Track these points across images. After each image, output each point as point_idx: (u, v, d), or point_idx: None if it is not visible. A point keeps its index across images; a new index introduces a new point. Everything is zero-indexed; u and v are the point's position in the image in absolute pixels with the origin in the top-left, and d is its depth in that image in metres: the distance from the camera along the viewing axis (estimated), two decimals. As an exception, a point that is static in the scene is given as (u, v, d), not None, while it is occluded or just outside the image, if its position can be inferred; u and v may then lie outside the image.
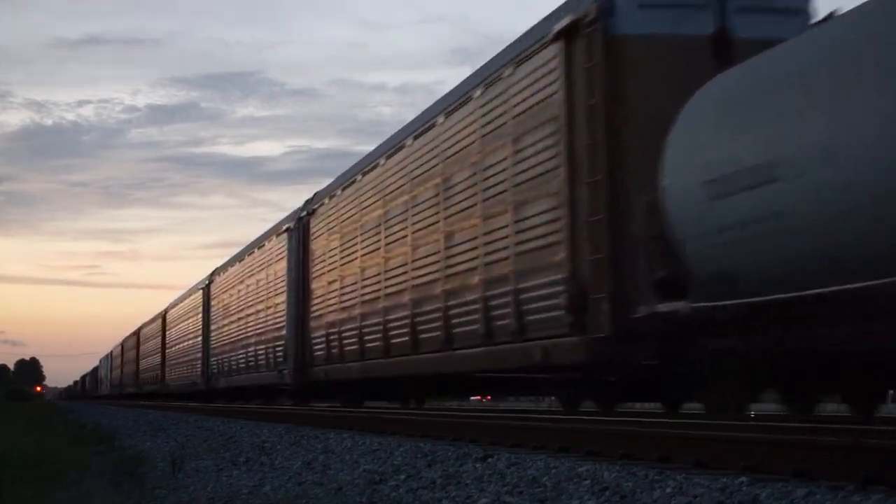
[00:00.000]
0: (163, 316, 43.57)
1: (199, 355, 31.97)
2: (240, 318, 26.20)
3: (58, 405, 55.35)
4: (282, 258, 21.67)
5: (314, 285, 19.30)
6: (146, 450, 12.58)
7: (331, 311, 18.00)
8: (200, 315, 32.37)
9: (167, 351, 41.29)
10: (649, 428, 7.89)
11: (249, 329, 24.80)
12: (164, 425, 19.20)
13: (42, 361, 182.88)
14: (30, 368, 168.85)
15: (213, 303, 30.78)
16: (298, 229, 20.56)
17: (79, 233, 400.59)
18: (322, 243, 19.05)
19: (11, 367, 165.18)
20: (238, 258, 27.98)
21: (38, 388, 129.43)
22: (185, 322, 36.22)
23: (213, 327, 30.37)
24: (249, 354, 24.58)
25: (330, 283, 18.21)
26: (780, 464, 5.90)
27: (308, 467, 8.99)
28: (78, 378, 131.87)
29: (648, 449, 7.24)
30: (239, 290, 26.70)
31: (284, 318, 21.02)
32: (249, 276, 25.42)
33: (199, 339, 32.14)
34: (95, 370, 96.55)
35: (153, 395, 47.02)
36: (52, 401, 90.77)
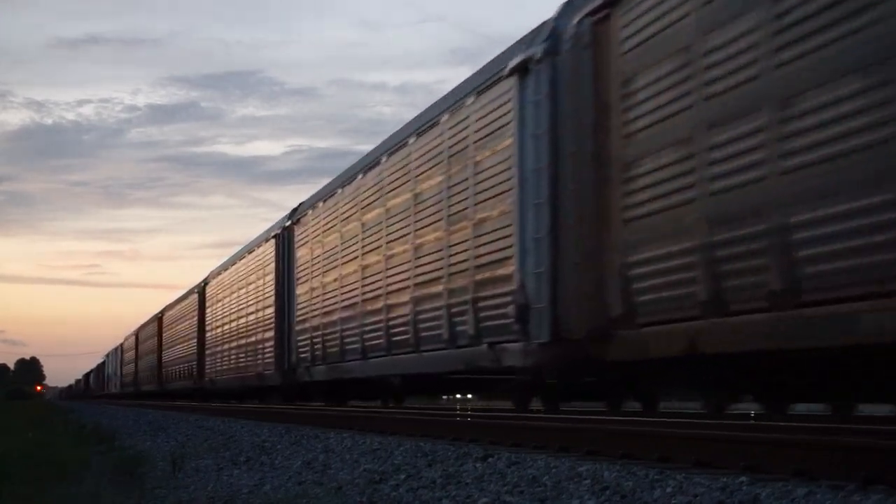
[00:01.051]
0: (199, 290, 33.14)
1: (272, 335, 21.85)
2: (367, 266, 15.54)
3: (58, 405, 55.23)
4: (503, 126, 11.01)
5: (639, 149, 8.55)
6: (146, 449, 12.58)
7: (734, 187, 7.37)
8: (273, 275, 21.93)
9: (209, 334, 30.80)
10: (649, 427, 7.89)
11: (396, 278, 14.21)
12: (164, 425, 19.20)
13: (42, 361, 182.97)
14: (30, 368, 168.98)
15: (300, 253, 20.13)
16: (574, 52, 9.72)
17: (79, 232, 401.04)
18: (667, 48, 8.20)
19: (11, 366, 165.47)
20: (368, 166, 15.94)
21: (39, 388, 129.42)
22: (242, 291, 25.76)
23: (301, 290, 19.80)
24: (396, 321, 14.13)
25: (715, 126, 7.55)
26: (780, 463, 5.90)
27: (308, 467, 8.99)
28: (80, 376, 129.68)
29: (648, 448, 7.24)
30: (363, 223, 15.80)
31: (511, 239, 10.56)
32: (397, 190, 14.32)
33: (271, 309, 21.95)
34: (101, 367, 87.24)
35: (183, 394, 37.76)
36: (53, 400, 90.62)
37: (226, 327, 27.97)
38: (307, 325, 19.14)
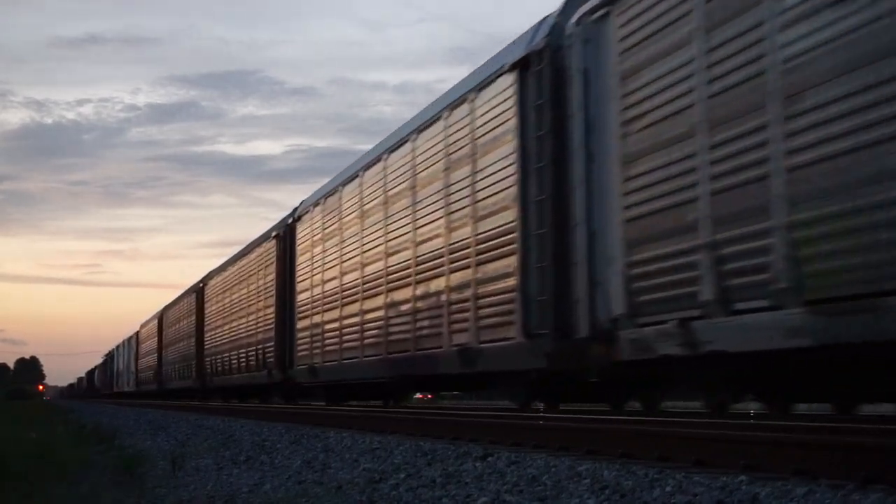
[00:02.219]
0: (282, 231, 21.31)
1: (515, 264, 10.86)
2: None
3: (58, 405, 55.12)
4: None
5: None
6: (146, 448, 12.58)
7: None
8: (514, 142, 10.95)
9: (303, 297, 19.10)
10: (649, 427, 7.89)
11: None
12: (164, 424, 19.20)
13: (42, 360, 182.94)
14: (30, 367, 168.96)
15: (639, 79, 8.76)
16: None
17: (79, 232, 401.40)
18: None
19: (11, 365, 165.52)
20: None
21: (40, 387, 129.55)
22: (405, 201, 14.31)
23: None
24: None
25: None
26: (780, 463, 5.90)
27: (308, 466, 8.99)
28: (83, 374, 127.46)
29: (648, 448, 7.23)
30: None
31: None
32: None
33: (511, 213, 11.04)
34: (109, 361, 76.69)
35: (245, 392, 28.27)
36: (53, 400, 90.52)
37: (348, 278, 16.37)
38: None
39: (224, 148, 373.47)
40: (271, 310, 21.89)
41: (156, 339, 44.18)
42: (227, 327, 27.74)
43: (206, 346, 30.98)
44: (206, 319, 31.35)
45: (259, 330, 23.27)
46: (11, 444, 11.39)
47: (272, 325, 21.75)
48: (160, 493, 7.60)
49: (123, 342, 62.46)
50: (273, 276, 21.80)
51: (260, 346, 22.98)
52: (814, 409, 12.46)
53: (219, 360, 28.50)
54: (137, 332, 53.66)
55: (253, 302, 24.22)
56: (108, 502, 7.10)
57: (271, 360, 21.66)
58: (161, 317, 43.35)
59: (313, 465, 9.03)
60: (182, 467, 9.38)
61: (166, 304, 43.73)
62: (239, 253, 27.30)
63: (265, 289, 22.78)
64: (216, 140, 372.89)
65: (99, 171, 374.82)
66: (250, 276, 24.78)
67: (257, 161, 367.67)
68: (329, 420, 15.25)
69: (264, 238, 23.33)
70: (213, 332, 30.02)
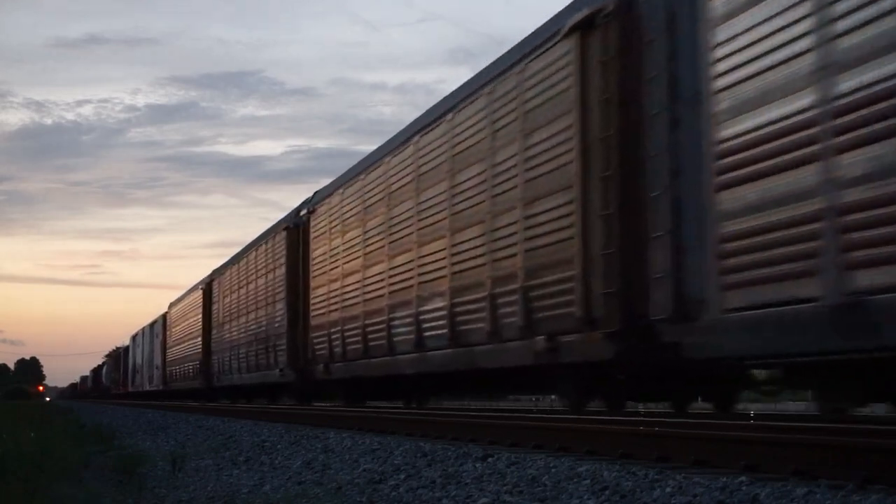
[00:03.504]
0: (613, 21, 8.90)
1: None
2: None
3: (57, 404, 55.08)
4: None
5: None
6: (146, 449, 12.58)
7: None
8: None
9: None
10: (649, 427, 7.89)
11: None
12: (164, 424, 19.20)
13: (42, 361, 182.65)
14: (30, 368, 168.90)
15: None
16: None
17: (79, 232, 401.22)
18: None
19: (11, 366, 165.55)
20: None
21: (40, 388, 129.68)
22: None
23: None
24: None
25: None
26: (780, 463, 5.90)
27: (308, 466, 8.99)
28: (87, 373, 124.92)
29: (648, 448, 7.24)
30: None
31: None
32: None
33: None
34: (122, 355, 62.82)
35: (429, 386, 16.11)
36: (53, 400, 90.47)
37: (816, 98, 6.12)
38: None
39: (224, 148, 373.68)
40: (570, 208, 9.60)
41: (199, 317, 31.24)
42: (374, 273, 15.14)
43: (313, 314, 18.36)
44: (315, 270, 18.49)
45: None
46: (11, 444, 11.39)
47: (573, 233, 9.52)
48: (160, 494, 7.60)
49: (142, 330, 49.49)
50: (574, 122, 9.56)
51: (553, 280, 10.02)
52: (812, 409, 12.44)
53: (350, 334, 16.08)
54: (165, 313, 41.09)
55: (478, 210, 11.67)
56: (107, 502, 7.10)
57: (576, 312, 9.43)
58: (208, 285, 30.52)
59: (313, 465, 9.03)
60: (182, 468, 9.38)
61: (215, 267, 31.06)
62: (405, 132, 14.60)
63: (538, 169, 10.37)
64: (216, 140, 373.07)
65: (99, 171, 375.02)
66: (464, 163, 12.16)
67: (257, 161, 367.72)
68: (329, 420, 15.25)
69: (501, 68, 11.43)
70: (336, 288, 16.95)
